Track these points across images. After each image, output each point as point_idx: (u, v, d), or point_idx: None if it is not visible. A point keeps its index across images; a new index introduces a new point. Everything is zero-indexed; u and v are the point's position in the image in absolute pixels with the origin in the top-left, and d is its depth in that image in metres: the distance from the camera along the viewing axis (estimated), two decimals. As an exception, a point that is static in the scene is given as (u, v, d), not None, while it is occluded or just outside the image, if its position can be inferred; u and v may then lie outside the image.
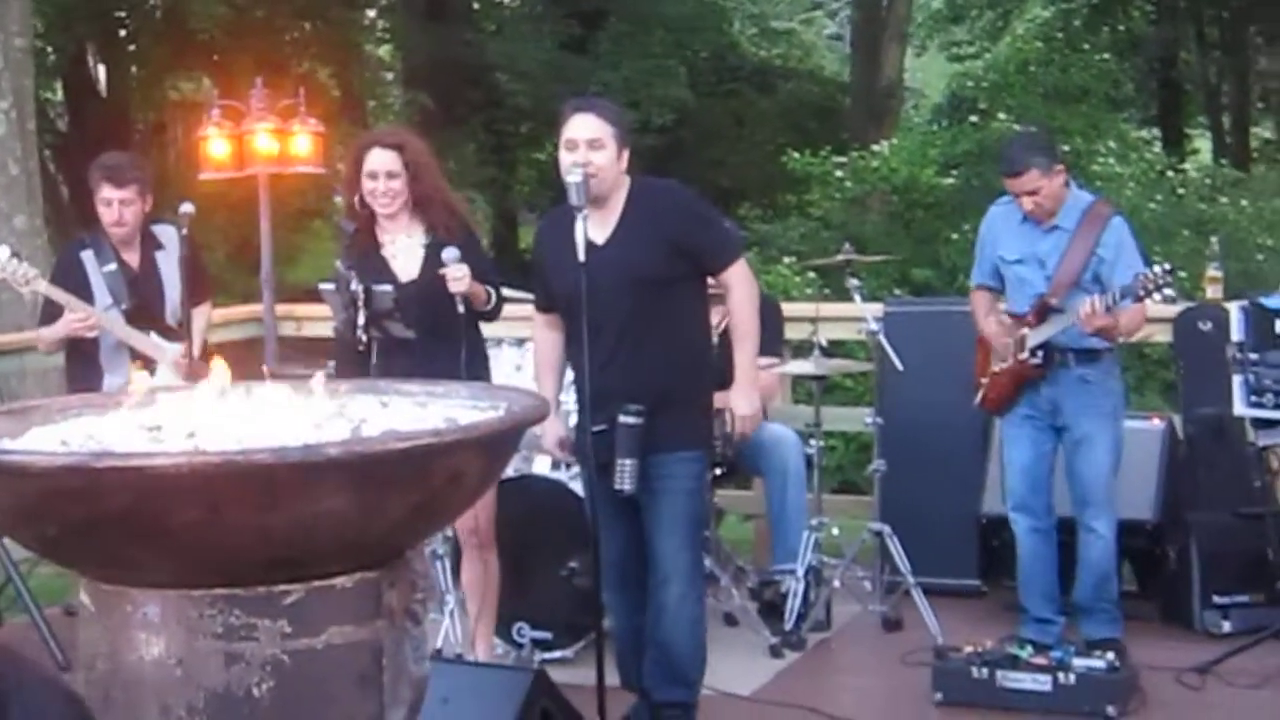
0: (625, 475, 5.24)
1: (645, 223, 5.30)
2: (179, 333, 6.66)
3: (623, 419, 5.22)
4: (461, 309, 5.75)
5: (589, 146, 5.28)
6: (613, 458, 5.26)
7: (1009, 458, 6.63)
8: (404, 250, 5.96)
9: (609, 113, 5.42)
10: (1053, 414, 6.43)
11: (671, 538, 5.35)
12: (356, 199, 5.97)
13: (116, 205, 6.63)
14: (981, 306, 6.70)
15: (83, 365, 6.68)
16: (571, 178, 5.19)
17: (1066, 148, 13.13)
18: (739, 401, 5.52)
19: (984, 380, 6.66)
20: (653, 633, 5.49)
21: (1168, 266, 6.11)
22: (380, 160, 5.93)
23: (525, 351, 6.97)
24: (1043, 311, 6.33)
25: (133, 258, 6.75)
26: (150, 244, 6.78)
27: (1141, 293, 6.06)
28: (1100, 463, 6.38)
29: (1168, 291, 6.10)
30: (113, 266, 6.68)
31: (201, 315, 6.97)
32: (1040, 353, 6.36)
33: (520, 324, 6.65)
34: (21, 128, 11.09)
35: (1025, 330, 6.40)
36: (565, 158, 5.32)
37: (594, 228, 5.28)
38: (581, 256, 5.14)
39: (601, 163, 5.28)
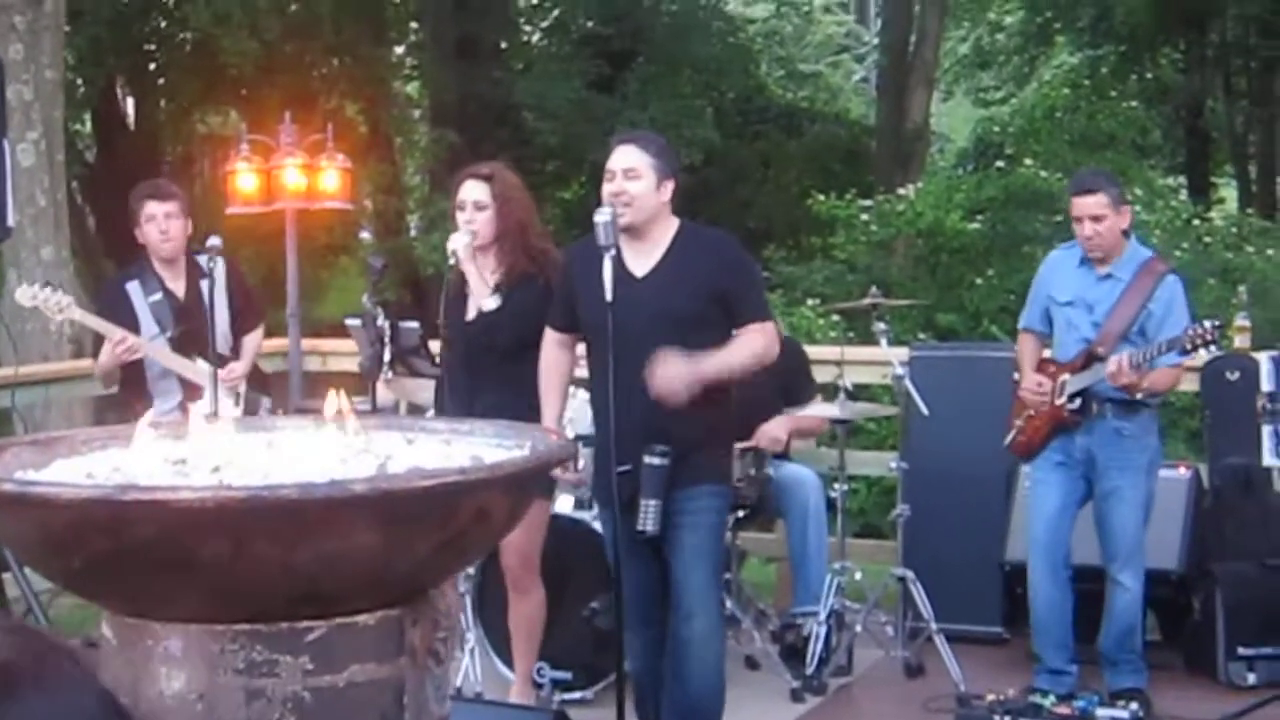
0: (649, 517, 5.22)
1: (691, 266, 5.27)
2: (229, 360, 6.71)
3: (648, 460, 5.20)
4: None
5: (624, 176, 5.29)
6: (636, 498, 5.24)
7: (1035, 503, 6.60)
8: (476, 282, 5.94)
9: (650, 145, 5.42)
10: (1086, 464, 6.41)
11: (695, 572, 5.33)
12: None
13: (161, 218, 6.70)
14: (1027, 351, 6.69)
15: (132, 394, 6.71)
16: (599, 217, 5.18)
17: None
18: (665, 366, 5.26)
19: (1018, 423, 6.64)
20: (675, 669, 5.45)
21: (1217, 322, 6.10)
22: (470, 191, 5.97)
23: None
24: (1088, 359, 6.32)
25: (178, 287, 6.79)
26: (195, 273, 6.82)
27: (1189, 346, 6.05)
28: (1129, 517, 6.36)
29: (1214, 349, 6.11)
30: (159, 296, 6.73)
31: (252, 341, 7.01)
32: (1078, 400, 6.34)
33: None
34: (50, 159, 11.14)
35: (1066, 376, 6.38)
36: (604, 189, 5.33)
37: (633, 259, 5.29)
38: (609, 297, 5.13)
39: (636, 192, 5.28)
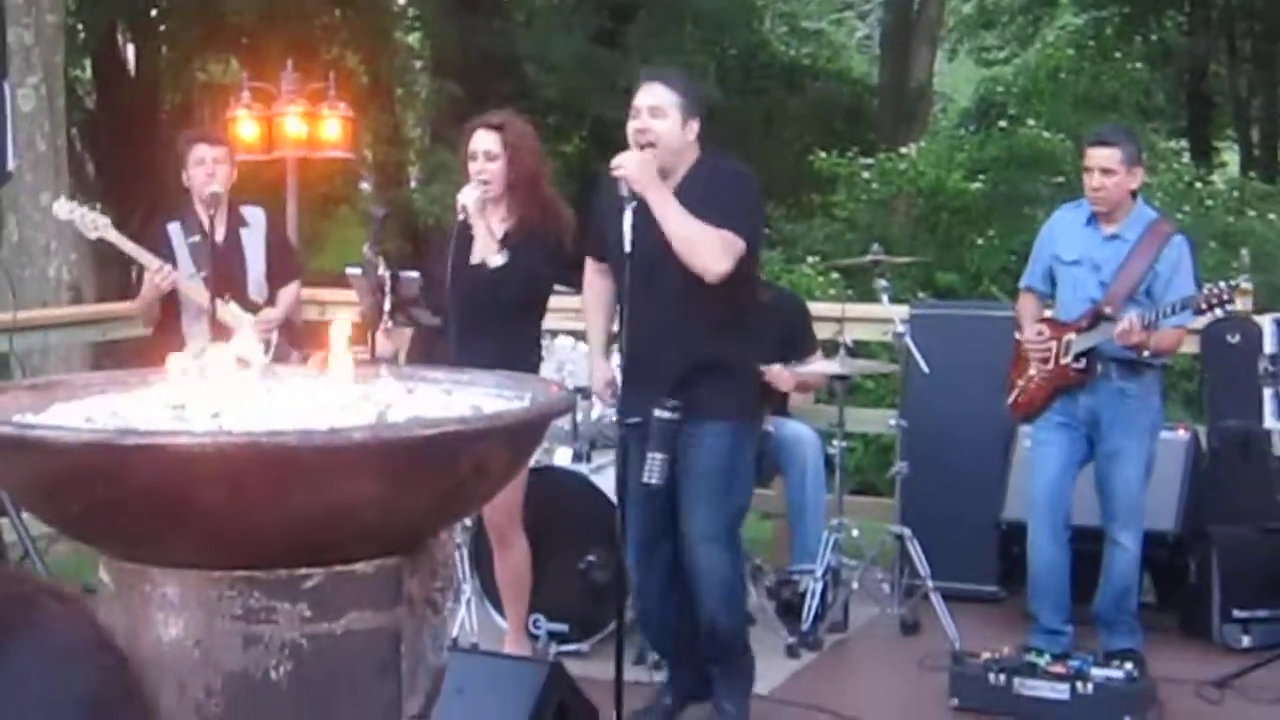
0: (655, 469, 5.22)
1: (697, 199, 5.23)
2: (261, 307, 6.79)
3: (658, 413, 5.21)
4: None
5: (650, 113, 5.27)
6: (644, 450, 5.24)
7: (1036, 463, 6.60)
8: (484, 237, 5.92)
9: (676, 82, 5.38)
10: (1090, 424, 6.40)
11: (698, 505, 5.35)
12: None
13: (210, 162, 6.81)
14: (1027, 310, 6.68)
15: (166, 335, 6.76)
16: (617, 172, 5.18)
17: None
18: (626, 157, 5.27)
19: (1019, 383, 6.62)
20: (692, 598, 5.49)
21: (1233, 282, 6.09)
22: (481, 141, 5.94)
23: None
24: (1095, 319, 6.30)
25: (219, 233, 6.87)
26: (236, 220, 6.97)
27: (1204, 305, 6.05)
28: (1132, 478, 6.36)
29: (1229, 306, 6.10)
30: (197, 239, 6.80)
31: (289, 294, 7.05)
32: (1084, 359, 6.33)
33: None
34: (50, 104, 11.10)
35: (1072, 335, 6.37)
36: (629, 126, 5.30)
37: None
38: (628, 248, 5.15)
39: (661, 130, 5.26)
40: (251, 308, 6.78)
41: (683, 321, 5.26)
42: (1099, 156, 6.32)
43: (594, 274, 5.76)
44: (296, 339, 7.12)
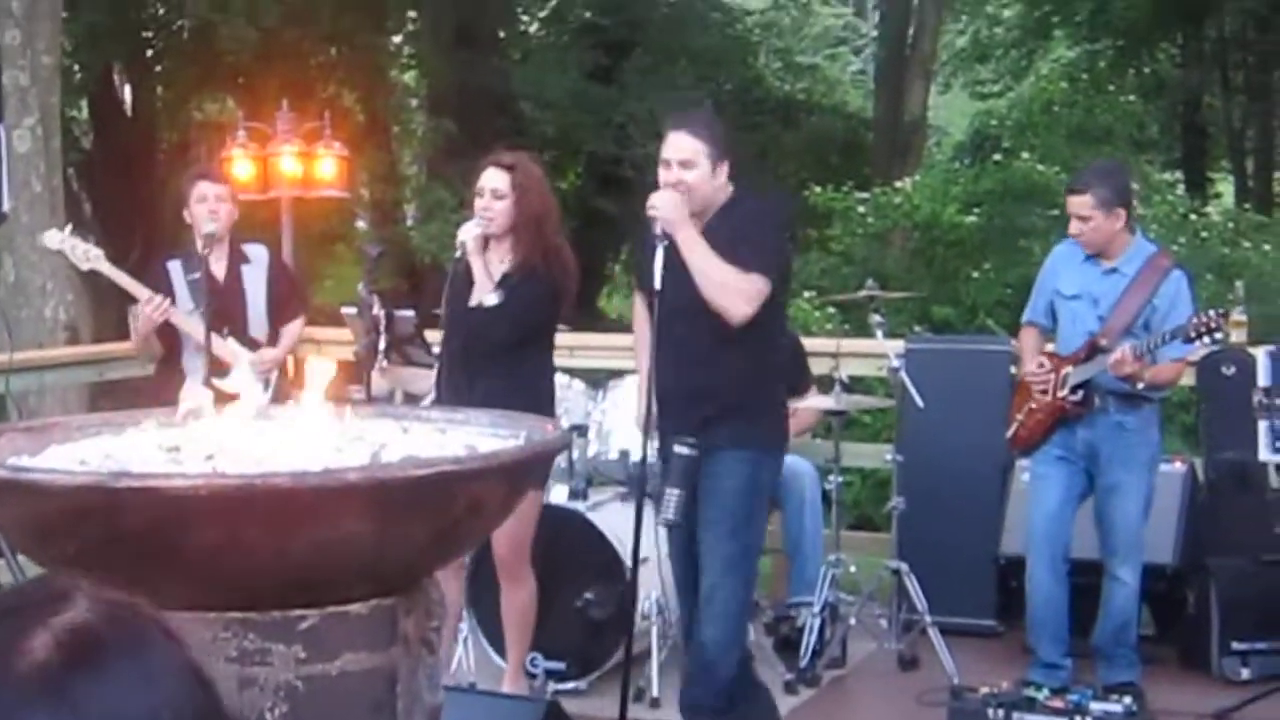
0: (671, 506, 5.21)
1: (725, 239, 5.23)
2: (263, 346, 6.76)
3: (677, 449, 5.21)
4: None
5: (681, 166, 5.29)
6: (663, 487, 5.24)
7: (1035, 497, 6.60)
8: (480, 277, 5.92)
9: (702, 129, 5.41)
10: (1088, 458, 6.40)
11: (711, 531, 5.31)
12: None
13: (212, 199, 6.80)
14: (1028, 344, 6.68)
15: (167, 371, 6.76)
16: (651, 212, 5.23)
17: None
18: (660, 197, 5.31)
19: (1018, 417, 6.63)
20: (696, 628, 5.47)
21: (1223, 310, 6.10)
22: (490, 178, 5.95)
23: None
24: (1092, 351, 6.31)
25: (219, 269, 6.86)
26: (238, 258, 6.94)
27: (1194, 334, 6.05)
28: (1131, 512, 6.36)
29: (1219, 335, 6.10)
30: (197, 275, 6.77)
31: (291, 332, 7.04)
32: (1080, 392, 6.34)
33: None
34: (46, 145, 11.12)
35: (1069, 368, 6.38)
36: (661, 176, 5.34)
37: None
38: (658, 285, 5.20)
39: (693, 181, 5.29)
40: (252, 345, 6.76)
41: (710, 362, 5.27)
42: (1073, 203, 6.37)
43: (641, 308, 5.73)
44: (299, 378, 7.09)
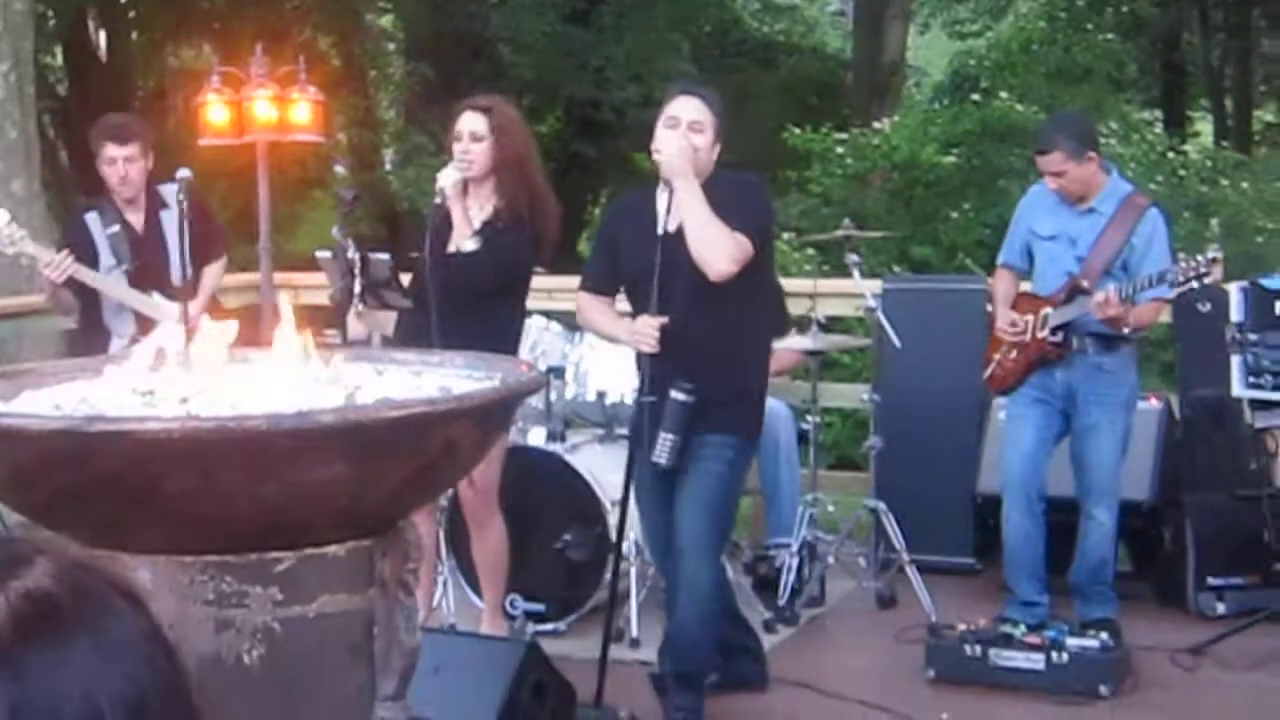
0: (665, 449, 5.24)
1: (714, 204, 5.23)
2: (187, 293, 6.60)
3: (674, 394, 5.23)
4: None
5: (690, 128, 5.31)
6: (657, 430, 5.26)
7: (1011, 438, 6.62)
8: (459, 222, 5.91)
9: (714, 103, 5.47)
10: (1066, 399, 6.42)
11: (691, 512, 5.34)
12: None
13: (121, 162, 6.60)
14: (1002, 288, 6.68)
15: (89, 327, 6.68)
16: (657, 157, 5.26)
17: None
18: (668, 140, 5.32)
19: (995, 357, 6.64)
20: (668, 603, 5.54)
21: (1211, 256, 6.10)
22: (467, 122, 5.93)
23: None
24: (1072, 292, 6.32)
25: (137, 219, 6.73)
26: (155, 204, 6.74)
27: (1181, 279, 6.05)
28: (1107, 452, 6.38)
29: (1207, 280, 6.10)
30: (116, 228, 6.66)
31: (211, 274, 6.92)
32: (1060, 333, 6.35)
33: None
34: (20, 91, 11.04)
35: (1049, 309, 6.38)
36: (663, 134, 5.32)
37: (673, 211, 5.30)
38: (661, 230, 5.22)
39: (699, 145, 5.31)
40: (176, 294, 6.52)
41: (709, 311, 5.28)
42: (1043, 163, 6.36)
43: (589, 303, 5.67)
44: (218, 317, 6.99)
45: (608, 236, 5.72)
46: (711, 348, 5.31)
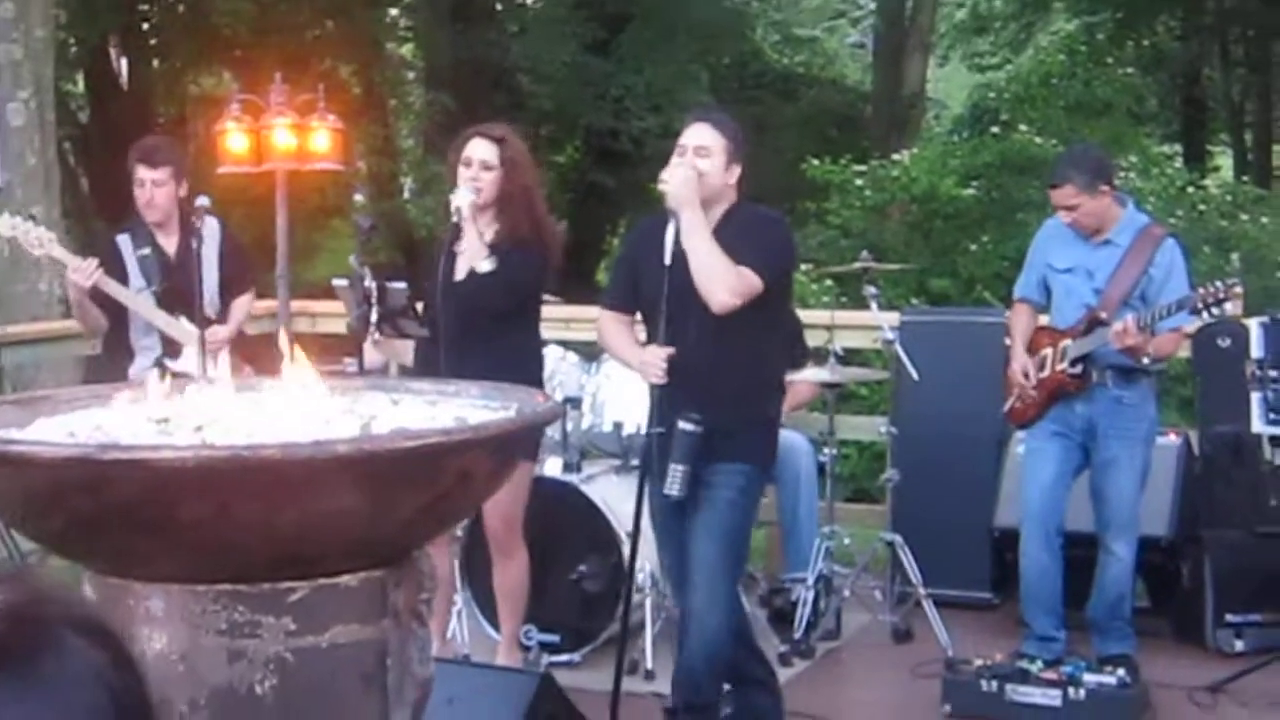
0: (676, 480, 5.20)
1: (729, 239, 5.22)
2: (216, 322, 6.64)
3: (682, 425, 5.19)
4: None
5: (695, 153, 5.29)
6: (667, 461, 5.23)
7: (1030, 471, 6.59)
8: (473, 243, 5.90)
9: (724, 126, 5.42)
10: (1085, 432, 6.39)
11: (704, 541, 5.30)
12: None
13: (149, 186, 6.65)
14: (1020, 322, 6.65)
15: (114, 348, 6.69)
16: (663, 186, 5.24)
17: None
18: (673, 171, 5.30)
19: (1015, 390, 6.61)
20: (680, 635, 5.49)
21: (1232, 281, 6.07)
22: (478, 149, 5.94)
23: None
24: (1091, 324, 6.29)
25: (170, 244, 6.76)
26: (189, 231, 6.76)
27: (1200, 305, 6.02)
28: (1126, 486, 6.36)
29: (1228, 307, 6.07)
30: (147, 251, 6.69)
31: (241, 306, 6.96)
32: (1080, 365, 6.32)
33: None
34: (41, 118, 11.07)
35: (1068, 341, 6.36)
36: (671, 165, 5.32)
37: None
38: (668, 260, 5.18)
39: (704, 169, 5.28)
40: (205, 323, 6.59)
41: (718, 342, 5.25)
42: (1056, 197, 6.36)
43: (610, 322, 5.63)
44: (250, 354, 7.02)
45: (630, 257, 5.70)
46: (720, 379, 5.27)
